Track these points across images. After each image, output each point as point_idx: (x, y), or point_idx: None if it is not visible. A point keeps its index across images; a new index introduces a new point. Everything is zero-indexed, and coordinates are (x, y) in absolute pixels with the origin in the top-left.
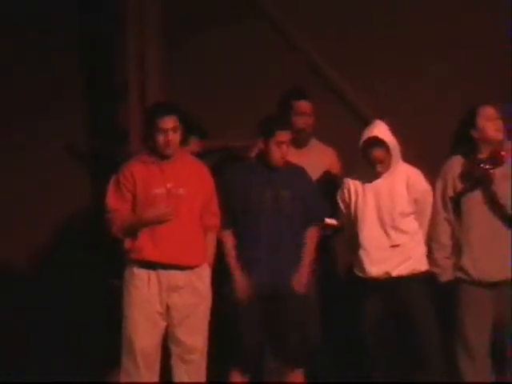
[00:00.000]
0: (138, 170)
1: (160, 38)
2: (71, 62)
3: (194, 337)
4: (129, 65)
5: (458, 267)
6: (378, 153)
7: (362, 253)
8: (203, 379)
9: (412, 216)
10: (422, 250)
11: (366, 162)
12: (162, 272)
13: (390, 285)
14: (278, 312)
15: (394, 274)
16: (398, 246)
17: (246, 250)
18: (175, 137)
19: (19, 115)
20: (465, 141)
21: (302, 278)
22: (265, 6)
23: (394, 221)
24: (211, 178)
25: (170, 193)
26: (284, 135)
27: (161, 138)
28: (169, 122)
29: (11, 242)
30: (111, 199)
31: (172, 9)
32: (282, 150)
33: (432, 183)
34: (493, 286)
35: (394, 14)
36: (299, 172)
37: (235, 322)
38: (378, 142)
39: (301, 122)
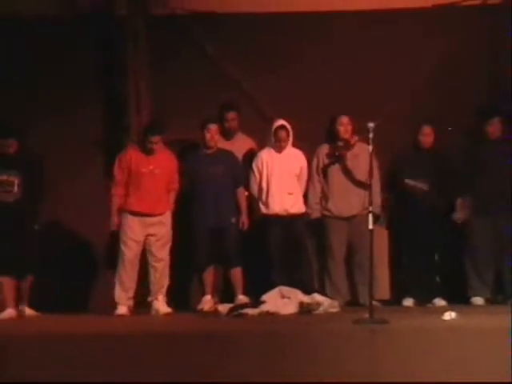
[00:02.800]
0: (132, 156)
1: (147, 82)
2: (99, 96)
3: (161, 251)
4: (130, 99)
5: (326, 209)
6: (283, 134)
7: (270, 198)
8: (167, 278)
9: (296, 177)
10: (302, 199)
11: (275, 141)
12: (143, 217)
13: (285, 221)
14: (221, 236)
15: (290, 211)
16: (292, 193)
17: (199, 203)
18: (156, 146)
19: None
20: (330, 135)
21: (244, 220)
22: (204, 48)
23: (291, 178)
24: (174, 160)
25: (152, 172)
26: (211, 126)
27: (148, 146)
28: (154, 139)
29: None
30: (116, 171)
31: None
32: (210, 135)
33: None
34: (347, 219)
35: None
36: (229, 155)
37: (195, 242)
38: (283, 127)
39: (229, 125)
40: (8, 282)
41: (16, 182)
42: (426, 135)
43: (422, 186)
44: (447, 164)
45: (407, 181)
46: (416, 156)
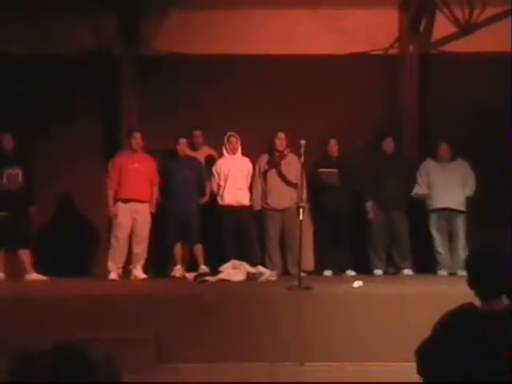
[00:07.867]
0: (122, 158)
1: (137, 105)
2: (99, 115)
3: (143, 232)
4: (123, 118)
5: (265, 203)
6: (233, 139)
7: (225, 192)
8: (146, 252)
9: (245, 177)
10: (249, 194)
11: (228, 144)
12: (131, 204)
13: (236, 211)
14: (187, 218)
15: (242, 202)
16: (241, 189)
17: (171, 196)
18: (140, 141)
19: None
20: (271, 147)
21: (206, 199)
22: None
23: (241, 178)
24: (153, 161)
25: (137, 169)
26: (181, 140)
27: (134, 142)
28: (138, 135)
29: None
30: (110, 171)
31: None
32: (180, 148)
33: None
34: (281, 211)
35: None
36: (195, 161)
37: (170, 223)
38: (232, 135)
39: (196, 140)
40: (1, 253)
41: (19, 173)
42: (332, 146)
43: (332, 171)
44: (350, 169)
45: (321, 169)
46: (326, 162)
